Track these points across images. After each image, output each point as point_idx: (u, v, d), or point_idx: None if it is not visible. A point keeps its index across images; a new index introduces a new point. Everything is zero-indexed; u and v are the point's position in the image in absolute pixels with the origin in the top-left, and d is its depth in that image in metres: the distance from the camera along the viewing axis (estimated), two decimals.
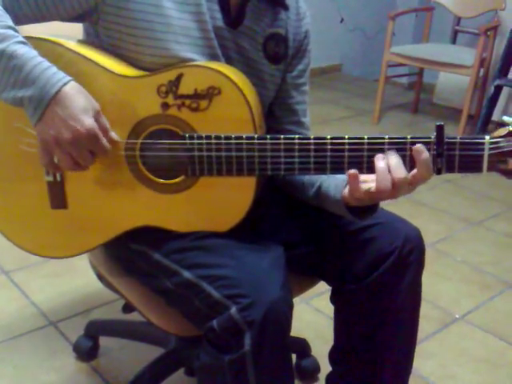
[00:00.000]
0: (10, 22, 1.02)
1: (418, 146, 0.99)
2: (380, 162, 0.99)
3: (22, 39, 1.00)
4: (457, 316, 2.04)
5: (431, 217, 2.75)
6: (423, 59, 3.82)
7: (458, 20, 4.34)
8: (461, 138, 0.99)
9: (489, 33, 3.80)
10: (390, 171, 0.98)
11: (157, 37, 1.08)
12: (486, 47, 3.78)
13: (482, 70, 3.88)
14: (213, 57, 1.14)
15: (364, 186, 1.00)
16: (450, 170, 1.01)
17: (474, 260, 2.41)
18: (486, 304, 2.12)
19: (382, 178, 0.98)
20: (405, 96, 4.80)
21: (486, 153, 0.98)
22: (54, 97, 0.97)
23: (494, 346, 1.90)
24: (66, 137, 0.98)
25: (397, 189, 0.99)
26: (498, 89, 3.87)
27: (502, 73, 3.82)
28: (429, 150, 0.99)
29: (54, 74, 0.98)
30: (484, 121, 3.92)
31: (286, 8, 1.21)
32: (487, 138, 0.98)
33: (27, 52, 0.99)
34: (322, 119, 3.90)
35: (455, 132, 3.83)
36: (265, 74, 1.20)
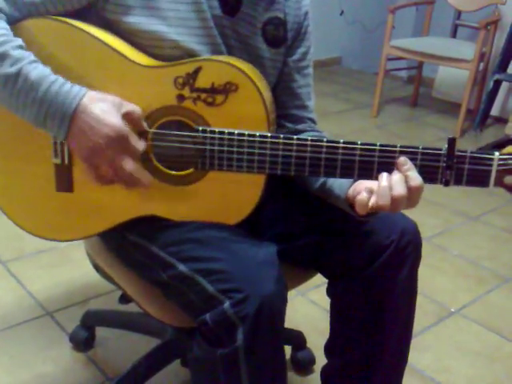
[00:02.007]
0: (19, 41, 1.03)
1: (401, 158, 1.00)
2: (383, 181, 0.99)
3: (34, 58, 1.02)
4: (453, 310, 2.05)
5: (428, 211, 2.75)
6: (423, 53, 3.81)
7: (459, 14, 4.33)
8: (471, 153, 1.00)
9: (489, 27, 3.80)
10: (391, 189, 0.98)
11: (155, 29, 1.09)
12: (485, 41, 3.78)
13: (481, 65, 3.88)
14: (213, 46, 1.14)
15: (369, 202, 1.00)
16: (458, 182, 1.01)
17: (470, 254, 2.42)
18: (482, 298, 2.13)
19: (382, 194, 0.98)
20: (404, 89, 4.79)
21: (494, 168, 1.00)
22: (75, 113, 0.99)
23: (489, 340, 1.91)
24: (100, 141, 0.99)
25: (396, 203, 0.99)
26: (498, 83, 3.87)
27: (502, 67, 3.82)
28: (439, 161, 1.00)
29: (70, 90, 1.00)
30: (483, 115, 3.93)
31: None
32: (496, 154, 0.99)
33: (41, 71, 1.00)
34: (321, 112, 3.89)
35: (454, 126, 3.83)
36: (265, 59, 1.20)
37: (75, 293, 1.96)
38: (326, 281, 1.31)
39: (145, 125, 1.07)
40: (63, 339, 1.74)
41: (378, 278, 1.20)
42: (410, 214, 1.25)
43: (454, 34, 4.42)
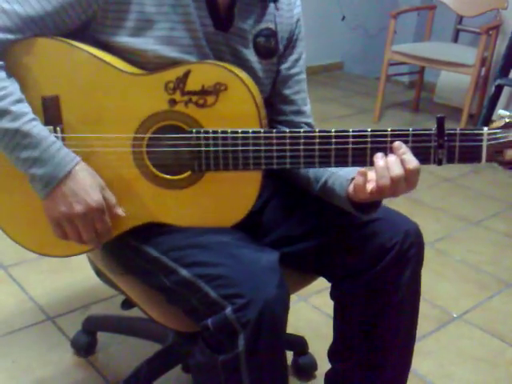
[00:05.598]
0: (18, 93, 1.04)
1: (396, 142, 1.02)
2: (379, 160, 1.02)
3: (33, 116, 1.04)
4: (455, 315, 2.04)
5: (430, 216, 2.75)
6: (424, 58, 3.81)
7: (460, 19, 4.33)
8: (460, 130, 1.02)
9: (491, 32, 3.80)
10: (388, 169, 1.00)
11: (150, 48, 1.10)
12: (487, 46, 3.78)
13: (483, 70, 3.88)
14: None
15: (368, 187, 1.03)
16: (451, 160, 1.04)
17: (472, 259, 2.41)
18: (484, 303, 2.12)
19: (381, 175, 1.01)
20: (405, 94, 4.79)
21: (485, 143, 1.02)
22: (67, 175, 1.03)
23: (491, 346, 1.90)
24: (78, 209, 1.04)
25: (395, 185, 1.01)
26: (499, 88, 3.87)
27: (503, 72, 3.81)
28: (430, 141, 1.02)
29: (66, 155, 1.04)
30: (484, 120, 3.92)
31: (275, 0, 1.21)
32: (485, 129, 1.01)
33: (41, 131, 1.03)
34: (323, 117, 3.89)
35: None
36: (258, 71, 1.21)
37: (77, 298, 1.96)
38: (328, 286, 1.31)
39: (120, 211, 1.10)
40: (65, 344, 1.74)
41: (381, 280, 1.20)
42: (412, 219, 1.25)
43: (455, 39, 4.42)
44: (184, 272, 1.09)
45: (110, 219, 1.09)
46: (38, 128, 1.03)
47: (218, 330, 1.02)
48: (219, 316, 1.02)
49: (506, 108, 4.11)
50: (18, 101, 1.03)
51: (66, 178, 1.03)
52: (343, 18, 5.02)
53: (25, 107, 1.04)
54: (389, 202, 1.16)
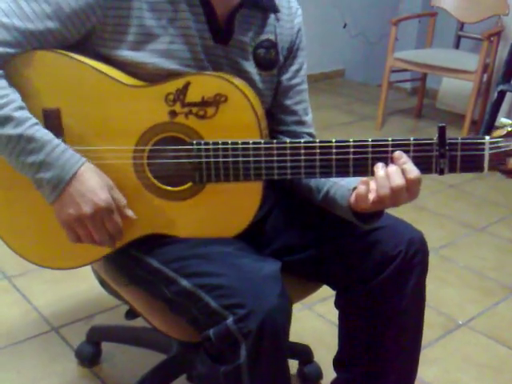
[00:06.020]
0: (19, 100, 1.05)
1: (396, 152, 1.02)
2: (379, 170, 1.02)
3: (35, 121, 1.04)
4: (460, 322, 2.03)
5: (434, 222, 2.75)
6: (426, 64, 3.82)
7: (462, 25, 4.34)
8: (462, 139, 1.01)
9: (492, 38, 3.80)
10: (389, 178, 1.01)
11: (149, 61, 1.10)
12: (489, 52, 3.78)
13: (485, 76, 3.88)
14: None
15: (369, 196, 1.03)
16: (453, 170, 1.03)
17: (477, 266, 2.40)
18: (489, 310, 2.12)
19: (381, 185, 1.01)
20: (408, 101, 4.79)
21: (487, 152, 1.01)
22: (73, 176, 1.03)
23: (497, 352, 1.89)
24: (86, 210, 1.03)
25: (396, 195, 1.00)
26: (502, 94, 3.87)
27: (506, 78, 3.81)
28: (431, 150, 1.02)
29: (72, 157, 1.04)
30: (487, 126, 3.92)
31: (276, 11, 1.21)
32: (487, 138, 1.01)
33: (44, 135, 1.03)
34: (325, 124, 3.89)
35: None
36: (257, 82, 1.21)
37: (80, 308, 1.95)
38: (333, 294, 1.31)
39: (130, 212, 1.10)
40: (69, 354, 1.73)
41: (385, 289, 1.20)
42: (416, 225, 1.24)
43: (457, 46, 4.42)
44: (184, 282, 1.09)
45: (120, 219, 1.08)
46: (41, 132, 1.03)
47: (219, 341, 1.02)
48: (220, 326, 1.01)
49: (508, 114, 4.11)
50: (20, 107, 1.04)
51: (72, 180, 1.03)
52: (344, 26, 5.03)
53: (27, 113, 1.04)
54: (392, 209, 1.16)
